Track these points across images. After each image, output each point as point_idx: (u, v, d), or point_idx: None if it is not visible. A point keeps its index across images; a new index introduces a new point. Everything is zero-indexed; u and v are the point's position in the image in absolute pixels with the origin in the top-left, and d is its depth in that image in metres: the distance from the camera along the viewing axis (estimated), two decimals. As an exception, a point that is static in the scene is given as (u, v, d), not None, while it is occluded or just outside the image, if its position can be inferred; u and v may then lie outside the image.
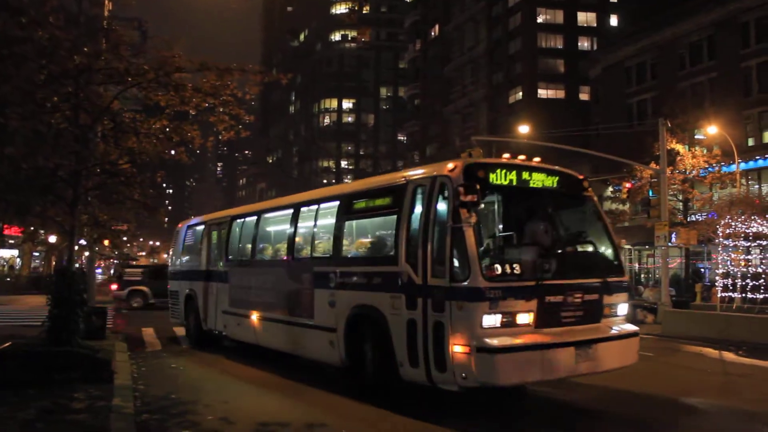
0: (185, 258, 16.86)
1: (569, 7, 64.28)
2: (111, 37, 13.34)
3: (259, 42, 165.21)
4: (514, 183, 8.62)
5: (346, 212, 10.14)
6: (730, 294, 19.92)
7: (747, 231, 19.72)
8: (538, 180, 8.88)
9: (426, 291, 8.05)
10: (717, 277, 19.77)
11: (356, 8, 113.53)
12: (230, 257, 13.84)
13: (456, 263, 7.73)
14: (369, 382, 9.11)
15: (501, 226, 8.87)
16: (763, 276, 18.75)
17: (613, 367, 8.64)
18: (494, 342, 7.43)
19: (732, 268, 19.92)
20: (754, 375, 12.53)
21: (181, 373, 11.43)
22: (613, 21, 64.11)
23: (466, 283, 7.57)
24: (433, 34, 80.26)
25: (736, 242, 20.03)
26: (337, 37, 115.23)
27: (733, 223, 20.03)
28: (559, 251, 8.58)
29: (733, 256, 20.33)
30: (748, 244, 19.33)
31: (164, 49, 12.66)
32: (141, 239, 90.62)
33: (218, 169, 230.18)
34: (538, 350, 7.74)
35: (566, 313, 8.18)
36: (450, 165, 8.26)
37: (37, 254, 54.21)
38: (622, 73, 49.61)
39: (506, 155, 9.20)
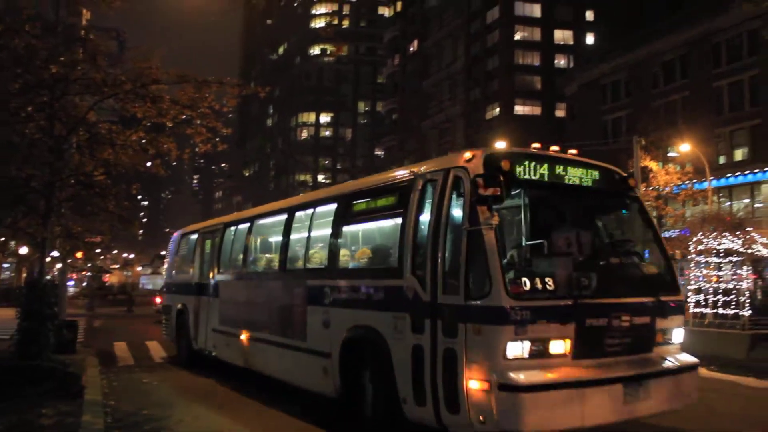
0: (178, 270, 15.86)
1: (546, 25, 65.09)
2: (88, 47, 13.23)
3: (237, 54, 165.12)
4: (546, 178, 7.00)
5: (343, 215, 8.69)
6: (702, 310, 20.14)
7: (718, 247, 19.96)
8: (575, 175, 7.27)
9: (435, 310, 6.57)
10: (689, 293, 19.97)
11: (333, 22, 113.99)
12: (221, 269, 12.54)
13: (473, 276, 6.26)
14: (367, 419, 7.61)
15: (529, 232, 6.74)
16: (734, 292, 18.98)
17: (668, 409, 7.10)
18: (520, 377, 5.93)
19: (704, 284, 20.15)
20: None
21: (154, 389, 11.28)
22: (590, 39, 65.03)
23: (485, 301, 6.09)
24: (411, 49, 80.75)
25: (708, 258, 20.27)
26: (316, 51, 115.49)
27: (704, 240, 20.28)
28: (602, 263, 7.18)
29: (705, 272, 20.57)
30: (719, 260, 19.54)
31: (142, 61, 12.59)
32: (115, 252, 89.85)
33: (195, 181, 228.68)
34: (577, 388, 6.18)
35: (611, 340, 6.60)
36: (467, 154, 6.76)
37: (7, 266, 53.38)
38: (597, 90, 50.29)
39: (536, 144, 7.60)
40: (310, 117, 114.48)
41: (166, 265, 17.65)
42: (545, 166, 7.03)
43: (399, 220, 7.43)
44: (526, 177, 6.84)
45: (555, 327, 6.20)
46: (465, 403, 6.14)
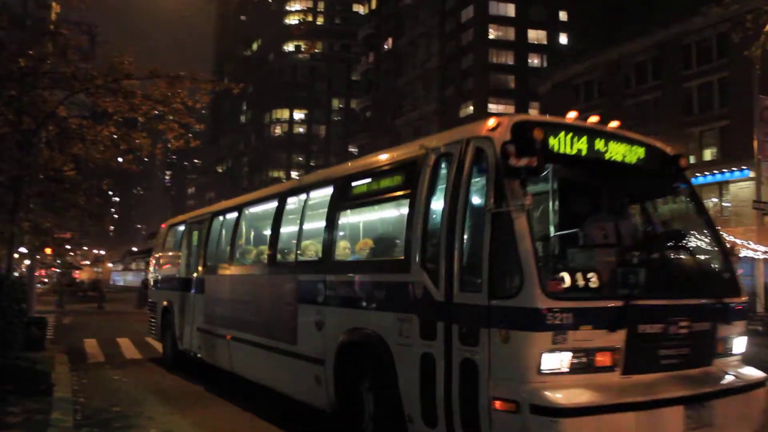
0: (164, 264, 14.92)
1: (520, 24, 65.63)
2: (59, 41, 13.08)
3: (211, 50, 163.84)
4: (583, 153, 5.78)
5: (341, 200, 7.58)
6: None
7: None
8: (617, 152, 6.07)
9: (450, 312, 5.42)
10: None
11: (307, 19, 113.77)
12: (207, 263, 11.55)
13: (499, 269, 5.09)
14: None
15: (561, 219, 5.93)
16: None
17: None
18: (559, 397, 4.72)
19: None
20: None
21: (125, 385, 11.18)
22: (564, 40, 65.69)
23: (515, 301, 4.90)
24: (386, 47, 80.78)
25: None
26: (290, 47, 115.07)
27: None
28: (652, 256, 6.07)
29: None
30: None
31: (114, 55, 12.48)
32: (85, 248, 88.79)
33: (167, 177, 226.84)
34: (629, 412, 4.90)
35: (667, 350, 5.40)
36: (491, 121, 5.54)
37: (-26, 262, 52.47)
38: (571, 90, 50.70)
39: (572, 113, 6.20)
40: (284, 114, 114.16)
41: (152, 260, 16.52)
42: (584, 139, 5.80)
43: (406, 204, 6.27)
44: (561, 152, 5.60)
45: (602, 334, 5.00)
46: (487, 427, 5.02)
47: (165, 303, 13.54)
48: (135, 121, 13.98)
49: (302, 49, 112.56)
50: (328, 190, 7.88)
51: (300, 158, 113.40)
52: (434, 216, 5.85)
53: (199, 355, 11.55)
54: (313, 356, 7.41)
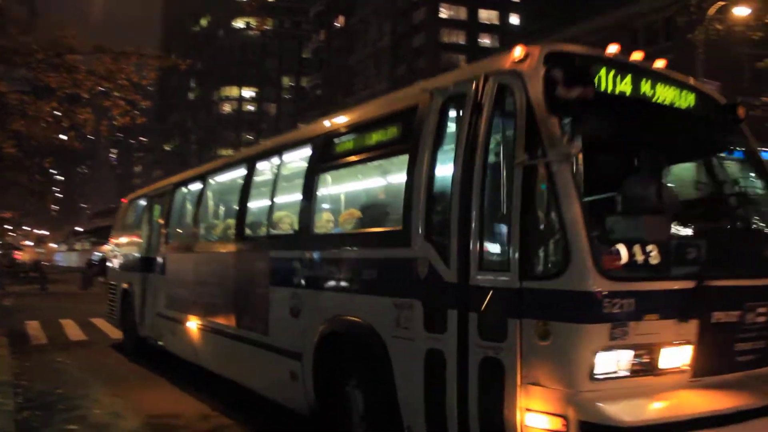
0: (124, 242, 13.66)
1: (472, 3, 65.85)
2: (-5, 12, 12.65)
3: (158, 25, 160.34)
4: (628, 94, 4.52)
5: (322, 161, 6.29)
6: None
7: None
8: (666, 97, 4.78)
9: (466, 296, 4.21)
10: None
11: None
12: (170, 240, 10.49)
13: (535, 240, 3.95)
14: None
15: (591, 179, 4.23)
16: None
17: None
18: (620, 411, 3.61)
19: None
20: None
21: (69, 368, 10.95)
22: (515, 20, 66.19)
23: (559, 282, 3.75)
24: (337, 24, 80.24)
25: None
26: (240, 24, 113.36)
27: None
28: (717, 226, 5.02)
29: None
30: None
31: (56, 28, 12.13)
32: (27, 228, 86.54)
33: (113, 156, 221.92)
34: (713, 428, 3.78)
35: (743, 344, 4.30)
36: (517, 51, 4.30)
37: None
38: (520, 71, 51.28)
39: (613, 47, 4.68)
40: (233, 91, 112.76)
41: (113, 239, 15.27)
42: (628, 78, 4.55)
43: (404, 162, 5.01)
44: (602, 91, 4.31)
45: (669, 326, 3.88)
46: None
47: (125, 285, 12.57)
48: (79, 97, 13.62)
49: (252, 26, 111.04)
50: (306, 152, 6.65)
51: (250, 136, 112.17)
52: (443, 175, 4.65)
53: (160, 343, 10.52)
54: (288, 349, 6.25)
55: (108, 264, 15.69)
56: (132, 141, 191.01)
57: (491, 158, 4.28)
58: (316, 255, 6.09)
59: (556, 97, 3.86)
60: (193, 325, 8.93)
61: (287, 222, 7.01)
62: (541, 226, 3.95)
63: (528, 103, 4.05)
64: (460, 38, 66.49)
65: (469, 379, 4.15)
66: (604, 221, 4.24)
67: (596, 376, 3.68)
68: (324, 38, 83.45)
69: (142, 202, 12.69)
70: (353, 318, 5.34)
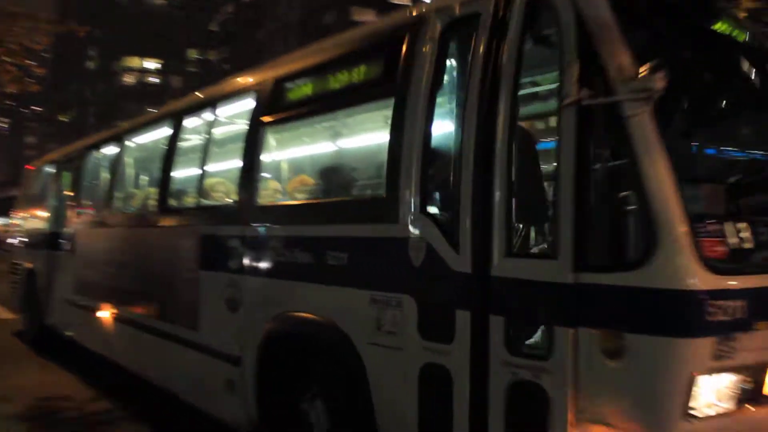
0: (30, 217, 12.02)
1: (382, -17, 66.04)
2: None
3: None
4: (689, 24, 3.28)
5: (269, 113, 4.74)
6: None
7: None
8: (724, 29, 3.45)
9: (483, 291, 3.00)
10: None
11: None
12: (80, 213, 8.96)
13: (599, 216, 2.70)
14: None
15: (686, 126, 3.11)
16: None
17: None
18: None
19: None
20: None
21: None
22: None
23: (641, 276, 2.52)
24: (246, -3, 79.02)
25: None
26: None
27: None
28: None
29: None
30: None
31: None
32: None
33: (3, 125, 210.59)
34: None
35: None
36: None
37: None
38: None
39: None
40: (136, 62, 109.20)
41: (17, 211, 13.56)
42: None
43: (387, 109, 3.65)
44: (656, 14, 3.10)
45: None
46: None
47: (29, 265, 11.00)
48: (-36, 60, 12.86)
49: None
50: (248, 103, 5.15)
51: (153, 110, 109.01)
52: (445, 124, 3.37)
53: (68, 333, 9.06)
54: (223, 351, 4.90)
55: (10, 240, 14.48)
56: (25, 110, 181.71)
57: (521, 97, 3.18)
58: (260, 232, 4.69)
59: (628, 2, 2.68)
60: (108, 315, 7.47)
61: (222, 190, 5.66)
62: (608, 195, 2.71)
63: (579, 15, 2.77)
64: (370, 17, 66.62)
65: (489, 410, 2.92)
66: (708, 191, 2.85)
67: (692, 413, 2.54)
68: (232, 11, 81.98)
69: (50, 170, 11.20)
70: (311, 315, 4.00)
